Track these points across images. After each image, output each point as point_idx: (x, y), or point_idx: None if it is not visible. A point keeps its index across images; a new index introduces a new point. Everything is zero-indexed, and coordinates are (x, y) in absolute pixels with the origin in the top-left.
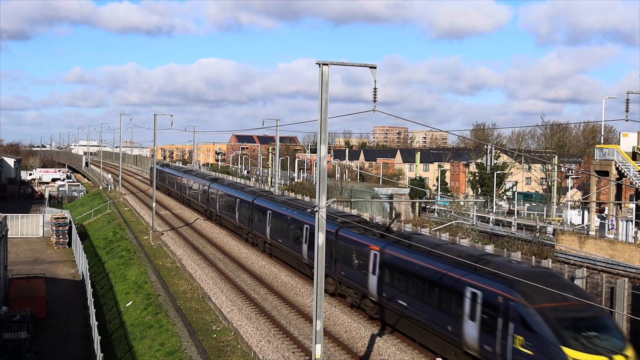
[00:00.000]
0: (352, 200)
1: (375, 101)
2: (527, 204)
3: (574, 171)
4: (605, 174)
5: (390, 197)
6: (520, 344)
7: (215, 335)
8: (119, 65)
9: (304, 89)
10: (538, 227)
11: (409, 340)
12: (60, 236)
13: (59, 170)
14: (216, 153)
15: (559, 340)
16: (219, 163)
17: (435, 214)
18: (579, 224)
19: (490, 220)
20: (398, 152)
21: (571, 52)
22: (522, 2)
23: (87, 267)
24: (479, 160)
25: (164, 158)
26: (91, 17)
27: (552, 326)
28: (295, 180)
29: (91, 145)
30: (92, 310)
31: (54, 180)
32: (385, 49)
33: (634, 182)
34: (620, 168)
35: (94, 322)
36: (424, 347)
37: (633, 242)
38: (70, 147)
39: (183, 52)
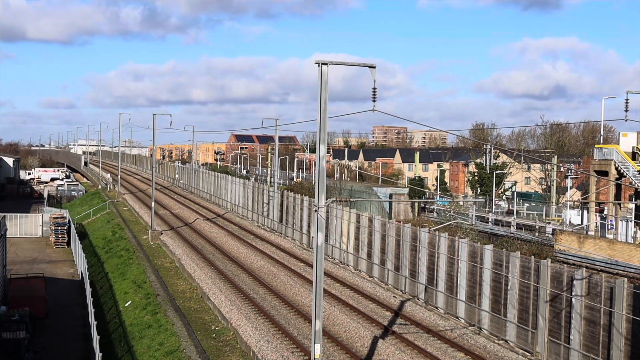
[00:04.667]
0: (351, 200)
1: (374, 101)
2: (526, 204)
3: (573, 171)
4: (605, 173)
5: (390, 197)
6: None
7: (214, 335)
8: (121, 65)
9: (305, 88)
10: (537, 227)
11: (408, 340)
12: (59, 236)
13: (58, 170)
14: (215, 153)
15: None
16: (218, 163)
17: (435, 214)
18: (578, 224)
19: (490, 220)
20: (397, 152)
21: None
22: None
23: (86, 266)
24: (478, 160)
25: (163, 157)
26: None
27: None
28: (295, 180)
29: (90, 145)
30: (91, 310)
31: (52, 179)
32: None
33: (633, 182)
34: (619, 168)
35: (93, 322)
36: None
37: (632, 242)
38: (69, 146)
39: (185, 51)
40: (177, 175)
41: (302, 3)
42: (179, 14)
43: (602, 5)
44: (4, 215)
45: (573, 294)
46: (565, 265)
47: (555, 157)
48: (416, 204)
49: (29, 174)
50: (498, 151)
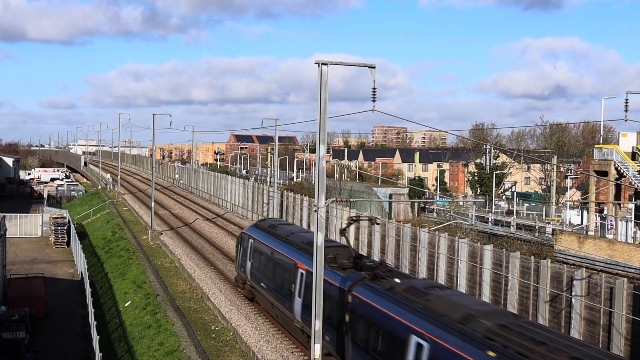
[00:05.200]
0: (351, 200)
1: (374, 101)
2: (526, 204)
3: (573, 171)
4: (605, 174)
5: (390, 197)
6: None
7: (214, 335)
8: (121, 65)
9: (305, 88)
10: (537, 227)
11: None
12: (59, 236)
13: (58, 170)
14: (215, 153)
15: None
16: (218, 163)
17: (435, 214)
18: (578, 224)
19: (490, 220)
20: (397, 152)
21: None
22: None
23: (86, 266)
24: (478, 160)
25: (163, 158)
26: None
27: None
28: (294, 180)
29: (90, 145)
30: (91, 310)
31: (52, 179)
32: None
33: (633, 182)
34: (619, 168)
35: (92, 322)
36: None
37: (632, 242)
38: (69, 146)
39: (186, 51)
40: (176, 176)
41: (302, 3)
42: (179, 14)
43: (603, 5)
44: (4, 216)
45: (573, 294)
46: (565, 265)
47: (555, 157)
48: (416, 204)
49: (29, 174)
50: (498, 151)
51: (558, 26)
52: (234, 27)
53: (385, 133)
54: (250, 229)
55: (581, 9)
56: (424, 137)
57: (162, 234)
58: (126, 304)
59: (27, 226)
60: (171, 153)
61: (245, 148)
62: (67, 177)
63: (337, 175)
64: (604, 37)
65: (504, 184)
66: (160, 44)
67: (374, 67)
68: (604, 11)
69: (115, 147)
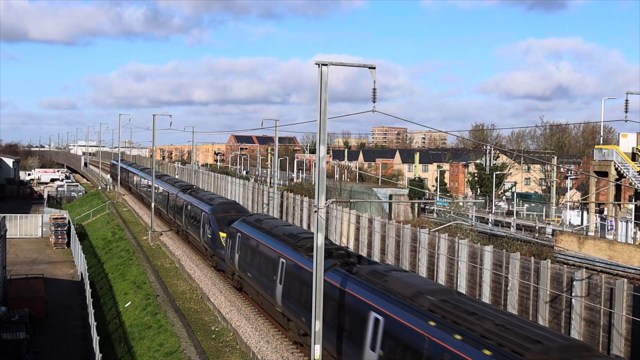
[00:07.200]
0: (351, 200)
1: (374, 102)
2: (526, 205)
3: (573, 172)
4: (605, 174)
5: (390, 197)
6: None
7: (214, 336)
8: (123, 65)
9: (306, 89)
10: (537, 227)
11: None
12: (59, 236)
13: (58, 171)
14: (215, 153)
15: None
16: (218, 163)
17: (435, 215)
18: (578, 225)
19: (490, 220)
20: (397, 153)
21: None
22: None
23: (86, 267)
24: (478, 161)
25: (163, 158)
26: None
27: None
28: (294, 180)
29: (90, 146)
30: (91, 311)
31: (52, 180)
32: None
33: (633, 183)
34: (619, 169)
35: (92, 323)
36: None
37: (632, 242)
38: (69, 147)
39: (188, 51)
40: (176, 176)
41: (306, 3)
42: (182, 14)
43: (607, 6)
44: (4, 216)
45: (573, 294)
46: (565, 266)
47: (555, 157)
48: (416, 205)
49: (29, 174)
50: (498, 152)
51: (562, 26)
52: (237, 27)
53: (386, 134)
54: (239, 223)
55: (585, 10)
56: (424, 138)
57: (162, 234)
58: (126, 305)
59: (27, 227)
60: (171, 154)
61: (246, 149)
62: (67, 177)
63: (337, 176)
64: (608, 38)
65: (504, 184)
66: (163, 44)
67: (374, 68)
68: (608, 11)
69: (115, 147)
